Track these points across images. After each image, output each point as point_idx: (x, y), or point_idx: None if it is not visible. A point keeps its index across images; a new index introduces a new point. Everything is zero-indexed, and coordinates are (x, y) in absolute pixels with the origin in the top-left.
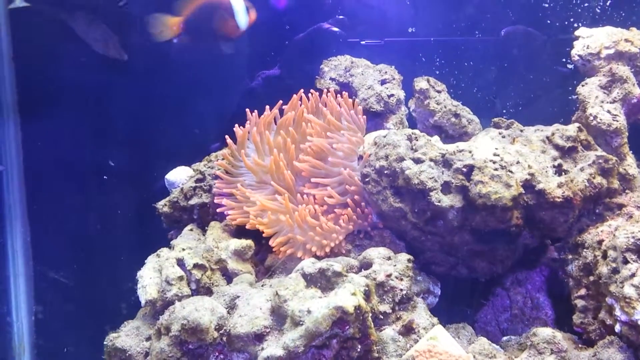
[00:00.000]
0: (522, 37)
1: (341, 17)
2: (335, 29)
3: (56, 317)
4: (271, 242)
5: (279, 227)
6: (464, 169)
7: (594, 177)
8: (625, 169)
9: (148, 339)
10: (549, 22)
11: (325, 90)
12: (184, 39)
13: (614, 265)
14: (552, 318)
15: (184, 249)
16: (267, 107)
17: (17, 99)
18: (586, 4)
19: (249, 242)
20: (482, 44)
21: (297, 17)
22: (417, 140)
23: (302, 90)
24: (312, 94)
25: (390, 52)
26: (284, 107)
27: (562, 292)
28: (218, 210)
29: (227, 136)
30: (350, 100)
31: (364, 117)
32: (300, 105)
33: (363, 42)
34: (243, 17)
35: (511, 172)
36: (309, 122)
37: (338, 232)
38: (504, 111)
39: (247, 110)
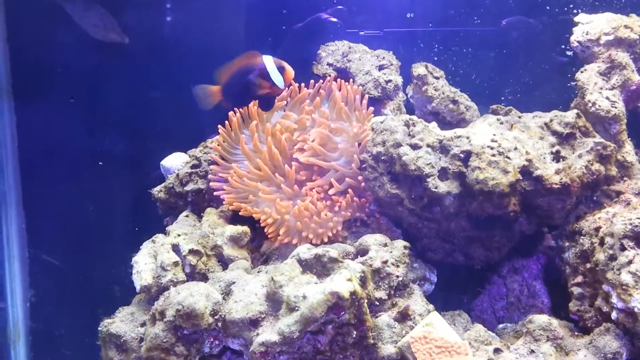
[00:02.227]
0: (522, 27)
1: (340, 7)
2: (334, 19)
3: (51, 303)
4: (267, 230)
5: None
6: (462, 155)
7: (592, 164)
8: (623, 156)
9: (143, 324)
10: (548, 8)
11: (327, 76)
12: (226, 103)
13: (611, 252)
14: (549, 306)
15: (179, 235)
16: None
17: (12, 82)
18: None
19: (244, 229)
20: (481, 31)
21: (295, 5)
22: (414, 126)
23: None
24: (319, 93)
25: (388, 37)
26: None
27: (558, 280)
28: (215, 193)
29: (227, 121)
30: (355, 87)
31: (372, 108)
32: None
33: (362, 33)
34: (277, 76)
35: (509, 158)
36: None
37: (335, 222)
38: (503, 98)
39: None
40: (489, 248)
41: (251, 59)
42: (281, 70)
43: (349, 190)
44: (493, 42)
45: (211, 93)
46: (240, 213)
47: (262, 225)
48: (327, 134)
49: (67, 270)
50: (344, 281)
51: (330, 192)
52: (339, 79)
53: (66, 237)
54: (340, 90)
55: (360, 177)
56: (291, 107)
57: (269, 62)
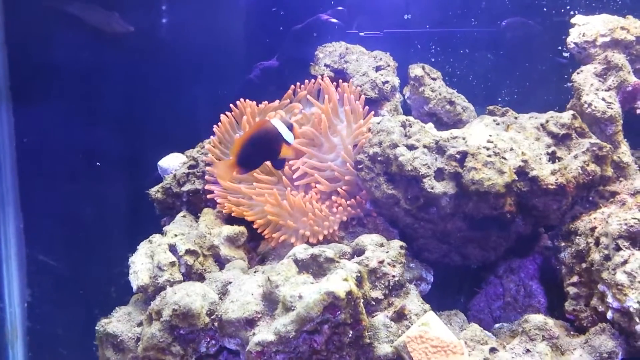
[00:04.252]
0: (522, 28)
1: (340, 8)
2: (334, 20)
3: (49, 303)
4: (261, 231)
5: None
6: (458, 156)
7: (587, 165)
8: (619, 157)
9: (140, 324)
10: (545, 10)
11: (320, 76)
12: (242, 171)
13: (606, 252)
14: (545, 306)
15: (176, 235)
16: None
17: (9, 84)
18: None
19: (241, 229)
20: (478, 32)
21: (295, 6)
22: (410, 126)
23: (298, 84)
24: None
25: (385, 39)
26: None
27: (555, 280)
28: (209, 196)
29: (222, 118)
30: (353, 88)
31: (367, 107)
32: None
33: (362, 34)
34: (289, 135)
35: (505, 158)
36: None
37: (332, 221)
38: (500, 99)
39: (240, 100)
40: (485, 248)
41: (260, 126)
42: (290, 127)
43: (341, 191)
44: (490, 43)
45: (227, 167)
46: (233, 215)
47: (255, 226)
48: (324, 119)
49: (65, 270)
50: (340, 281)
51: (321, 188)
52: (337, 80)
53: (64, 238)
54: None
55: (349, 177)
56: (287, 110)
57: (278, 123)
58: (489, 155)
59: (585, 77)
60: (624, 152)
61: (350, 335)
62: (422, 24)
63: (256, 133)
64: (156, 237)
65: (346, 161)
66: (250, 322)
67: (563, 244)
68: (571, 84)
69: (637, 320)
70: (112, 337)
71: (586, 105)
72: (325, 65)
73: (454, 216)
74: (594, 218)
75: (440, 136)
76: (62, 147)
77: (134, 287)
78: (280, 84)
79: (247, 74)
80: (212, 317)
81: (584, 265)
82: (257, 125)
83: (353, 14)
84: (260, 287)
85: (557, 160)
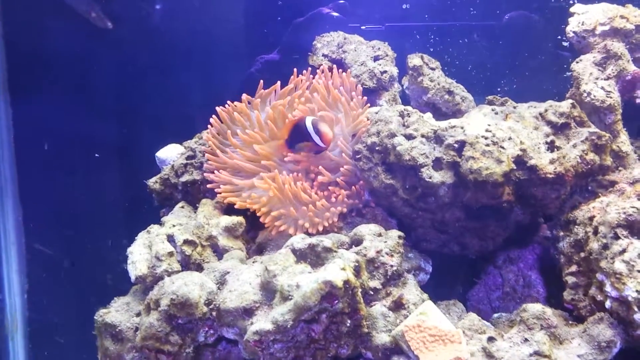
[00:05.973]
0: (524, 22)
1: (341, 1)
2: (335, 13)
3: (49, 293)
4: (262, 219)
5: (270, 204)
6: (456, 145)
7: (586, 154)
8: (618, 146)
9: (138, 314)
10: None
11: (319, 67)
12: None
13: (604, 241)
14: (544, 296)
15: (174, 225)
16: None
17: (7, 76)
18: None
19: (239, 219)
20: (478, 22)
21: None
22: (409, 116)
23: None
24: (306, 76)
25: (384, 28)
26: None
27: (554, 270)
28: (208, 186)
29: (219, 109)
30: (351, 79)
31: (364, 98)
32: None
33: (363, 28)
34: (316, 137)
35: (503, 147)
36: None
37: (332, 212)
38: (499, 89)
39: (244, 96)
40: (484, 238)
41: (299, 120)
42: (317, 132)
43: (341, 182)
44: (489, 33)
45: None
46: (235, 206)
47: (258, 214)
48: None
49: (64, 260)
50: (337, 270)
51: (321, 179)
52: (334, 68)
53: (63, 229)
54: (333, 79)
55: (347, 167)
56: (280, 96)
57: (308, 123)
58: (487, 145)
59: (584, 66)
60: (623, 142)
61: (348, 324)
62: (421, 14)
63: (296, 125)
64: (154, 228)
65: (343, 151)
66: (248, 312)
67: (562, 233)
68: (570, 73)
69: (636, 309)
70: (111, 327)
71: (585, 94)
72: (324, 55)
73: (452, 206)
74: (593, 207)
75: (438, 126)
76: (60, 139)
77: (132, 278)
78: (281, 77)
79: (248, 67)
80: (210, 306)
81: (582, 254)
82: (298, 119)
83: (354, 5)
84: (258, 277)
85: (555, 150)
